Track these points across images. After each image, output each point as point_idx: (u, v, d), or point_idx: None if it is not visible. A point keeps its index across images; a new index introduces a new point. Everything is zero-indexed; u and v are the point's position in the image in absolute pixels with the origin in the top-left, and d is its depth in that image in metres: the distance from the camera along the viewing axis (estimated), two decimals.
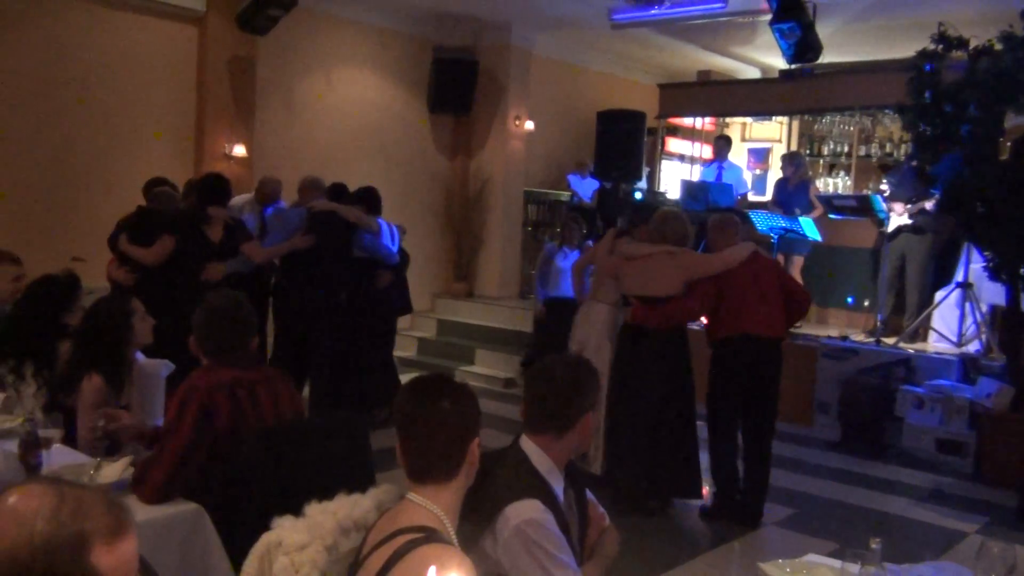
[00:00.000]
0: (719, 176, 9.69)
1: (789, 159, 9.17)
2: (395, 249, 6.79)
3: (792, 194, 8.81)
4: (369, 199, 6.77)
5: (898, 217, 8.01)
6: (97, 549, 1.25)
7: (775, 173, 11.98)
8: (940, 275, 8.18)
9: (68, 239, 7.20)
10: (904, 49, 7.21)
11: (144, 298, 3.89)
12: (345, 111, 9.62)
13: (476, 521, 2.14)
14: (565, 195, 11.03)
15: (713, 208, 8.93)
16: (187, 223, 5.78)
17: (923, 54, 6.53)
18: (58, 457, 2.95)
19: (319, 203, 6.44)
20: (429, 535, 1.82)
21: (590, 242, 7.34)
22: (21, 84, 7.15)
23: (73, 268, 4.28)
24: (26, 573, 1.20)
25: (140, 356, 3.97)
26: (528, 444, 2.33)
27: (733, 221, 5.51)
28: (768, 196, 11.18)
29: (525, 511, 2.16)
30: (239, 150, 8.40)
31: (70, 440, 3.28)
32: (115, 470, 2.88)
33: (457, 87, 10.24)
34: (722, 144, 10.03)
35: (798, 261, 8.64)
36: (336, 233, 6.36)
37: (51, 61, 7.31)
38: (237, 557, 2.36)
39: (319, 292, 6.30)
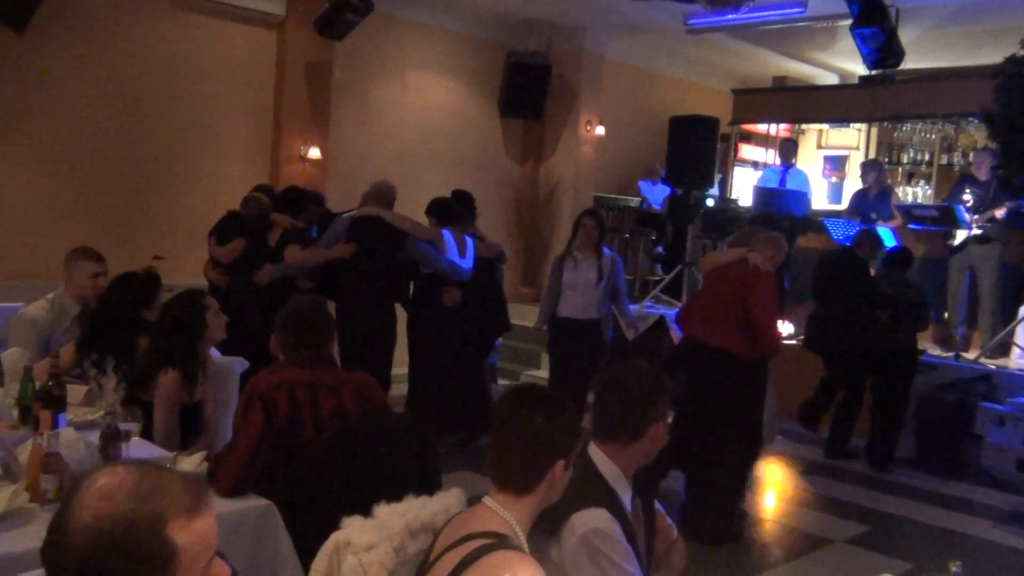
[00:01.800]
0: (783, 181, 9.45)
1: (870, 167, 8.96)
2: (467, 265, 6.26)
3: (872, 203, 8.60)
4: (438, 209, 6.35)
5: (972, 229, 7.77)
6: (174, 524, 1.29)
7: (852, 181, 11.73)
8: (1021, 289, 7.89)
9: (150, 238, 7.42)
10: (990, 55, 6.99)
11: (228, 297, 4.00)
12: (418, 115, 9.72)
13: (542, 528, 2.13)
14: (635, 201, 10.95)
15: (786, 216, 8.77)
16: (258, 228, 5.98)
17: (1011, 60, 6.32)
18: (136, 450, 3.04)
19: (366, 208, 6.04)
20: (501, 541, 1.82)
21: (607, 250, 6.19)
22: (107, 87, 7.39)
23: (154, 266, 4.41)
24: (107, 542, 1.26)
25: (216, 353, 4.07)
26: (596, 452, 2.32)
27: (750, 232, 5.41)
28: (844, 204, 10.94)
29: (591, 520, 2.15)
30: (314, 153, 8.54)
31: (148, 434, 3.37)
32: (191, 464, 2.96)
33: (529, 92, 10.25)
34: (789, 148, 9.78)
35: None
36: (379, 241, 5.86)
37: (137, 65, 7.54)
38: (306, 555, 2.39)
39: (364, 306, 5.84)
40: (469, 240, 6.40)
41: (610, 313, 6.38)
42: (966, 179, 8.12)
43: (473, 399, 6.48)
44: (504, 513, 1.92)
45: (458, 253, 6.23)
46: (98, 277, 4.35)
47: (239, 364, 4.34)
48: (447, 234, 6.19)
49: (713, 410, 4.85)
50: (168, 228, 7.63)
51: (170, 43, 7.74)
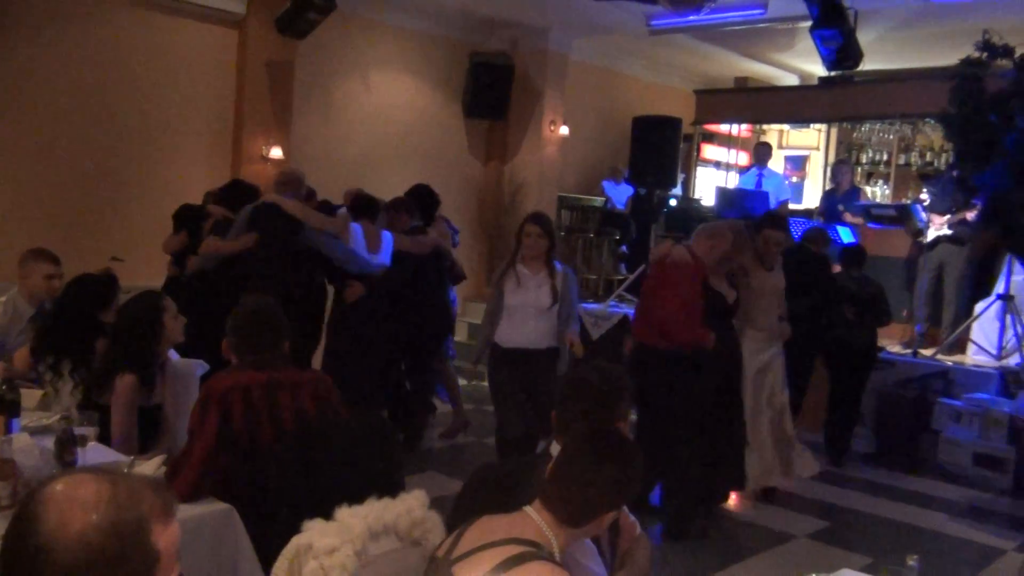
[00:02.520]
0: (759, 183, 9.61)
1: (845, 166, 9.19)
2: (380, 260, 5.93)
3: (840, 200, 8.73)
4: (352, 202, 6.21)
5: (936, 228, 7.90)
6: (155, 529, 1.29)
7: (813, 181, 11.90)
8: (979, 287, 8.05)
9: (107, 239, 7.31)
10: (947, 57, 7.09)
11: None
12: (381, 115, 9.67)
13: None
14: (599, 201, 11.00)
15: (748, 216, 8.87)
16: (198, 220, 6.06)
17: (967, 62, 6.42)
18: (93, 455, 2.99)
19: (266, 196, 5.83)
20: (540, 551, 1.86)
21: (558, 264, 5.02)
22: (63, 86, 7.27)
23: (111, 268, 4.35)
24: (99, 556, 1.23)
25: (175, 355, 4.02)
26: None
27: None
28: (804, 204, 11.10)
29: None
30: (276, 152, 8.47)
31: (105, 438, 3.32)
32: (149, 468, 2.92)
33: (493, 92, 10.25)
34: (763, 150, 9.96)
35: None
36: (276, 230, 5.61)
37: (94, 64, 7.43)
38: (267, 559, 2.37)
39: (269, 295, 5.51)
40: (386, 235, 6.07)
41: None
42: (927, 179, 8.29)
43: (375, 395, 6.07)
44: (547, 530, 1.96)
45: (365, 247, 5.93)
46: (53, 279, 4.28)
47: (199, 367, 4.29)
48: (356, 227, 5.95)
49: (652, 407, 4.86)
50: (126, 229, 7.53)
51: (128, 41, 7.63)
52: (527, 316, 4.89)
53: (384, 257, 5.99)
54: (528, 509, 1.99)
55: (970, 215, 7.58)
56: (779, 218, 5.97)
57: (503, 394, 5.01)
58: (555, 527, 1.97)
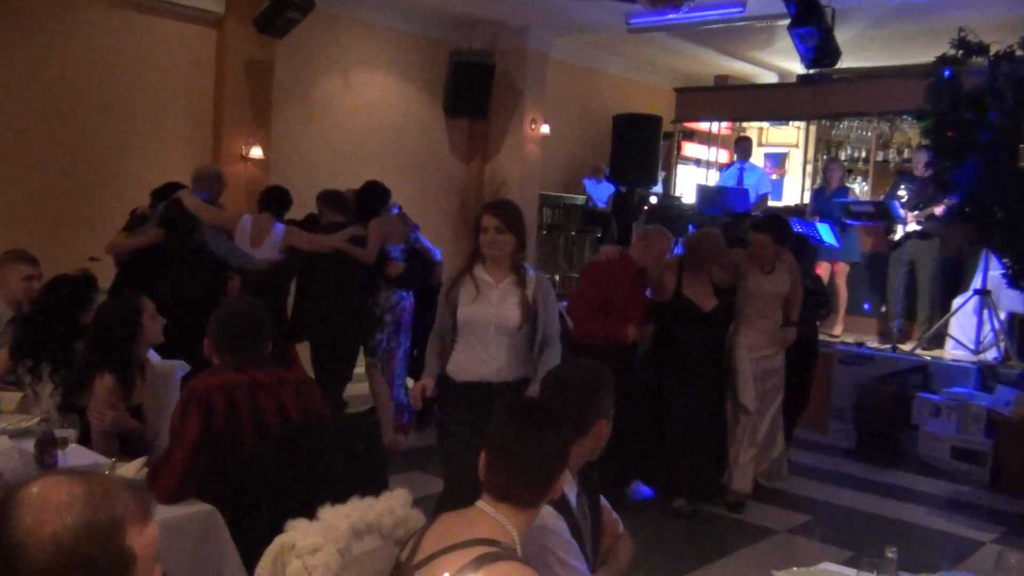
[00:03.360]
0: (740, 177, 9.64)
1: (836, 164, 9.25)
2: (261, 255, 5.78)
3: (829, 199, 8.78)
4: (262, 193, 6.08)
5: (908, 224, 7.98)
6: (131, 531, 1.29)
7: (792, 178, 11.98)
8: (955, 282, 8.13)
9: (85, 240, 7.24)
10: (924, 55, 7.16)
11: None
12: (362, 114, 9.65)
13: None
14: (581, 199, 11.02)
15: (729, 213, 8.92)
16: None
17: (943, 60, 6.49)
18: (73, 457, 2.97)
19: (180, 193, 5.80)
20: (505, 550, 1.85)
21: (530, 270, 3.77)
22: (40, 85, 7.20)
23: (89, 268, 4.32)
24: (72, 557, 1.24)
25: (155, 356, 4.00)
26: None
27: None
28: (784, 201, 11.17)
29: (538, 517, 2.16)
30: (256, 152, 8.43)
31: (85, 440, 3.30)
32: (130, 470, 2.90)
33: (474, 91, 10.25)
34: (744, 145, 10.00)
35: (843, 268, 8.57)
36: (177, 224, 5.60)
37: (70, 62, 7.36)
38: (250, 559, 2.37)
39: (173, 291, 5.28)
40: (277, 229, 5.93)
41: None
42: (903, 176, 8.35)
43: None
44: (507, 524, 1.94)
45: (249, 241, 5.84)
46: (31, 280, 4.25)
47: (180, 368, 4.27)
48: (247, 220, 5.90)
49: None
50: (104, 229, 7.43)
51: (105, 40, 7.57)
52: (486, 338, 3.67)
53: (268, 252, 5.82)
54: (482, 505, 1.98)
55: (938, 210, 7.65)
56: (762, 220, 5.95)
57: (452, 447, 3.71)
58: (513, 516, 1.95)
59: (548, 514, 2.17)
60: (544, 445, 1.97)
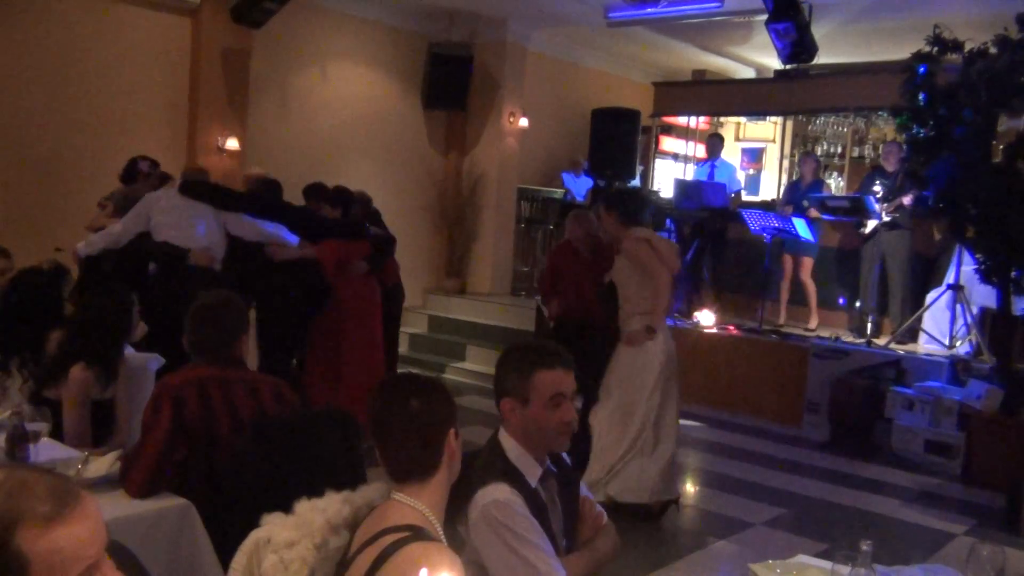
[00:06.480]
0: (712, 174, 9.72)
1: (811, 158, 9.28)
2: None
3: (804, 193, 8.83)
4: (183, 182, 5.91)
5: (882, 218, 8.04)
6: (27, 532, 1.21)
7: (769, 172, 12.04)
8: (928, 276, 8.20)
9: (58, 232, 7.15)
10: (899, 51, 7.22)
11: None
12: (339, 106, 9.59)
13: (453, 512, 2.14)
14: (559, 192, 11.01)
15: (706, 207, 8.96)
16: None
17: (918, 56, 6.54)
18: (46, 451, 2.93)
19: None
20: (415, 533, 1.81)
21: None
22: (11, 75, 7.10)
23: (58, 258, 4.27)
24: None
25: (130, 349, 3.96)
26: (504, 436, 2.34)
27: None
28: (760, 196, 11.23)
29: (492, 493, 2.19)
30: (232, 143, 8.36)
31: (58, 434, 3.26)
32: (103, 464, 2.87)
33: (452, 83, 10.21)
34: (715, 142, 10.07)
35: (807, 263, 8.61)
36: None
37: (43, 53, 7.26)
38: (226, 554, 2.35)
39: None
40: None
41: None
42: (876, 171, 8.40)
43: None
44: (416, 504, 1.92)
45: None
46: (4, 273, 4.19)
47: (154, 360, 4.24)
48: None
49: None
50: (77, 222, 7.37)
51: (79, 30, 7.47)
52: None
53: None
54: (395, 495, 1.95)
55: (906, 200, 7.70)
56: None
57: None
58: (421, 495, 1.93)
59: (503, 491, 2.18)
60: (412, 413, 1.93)
